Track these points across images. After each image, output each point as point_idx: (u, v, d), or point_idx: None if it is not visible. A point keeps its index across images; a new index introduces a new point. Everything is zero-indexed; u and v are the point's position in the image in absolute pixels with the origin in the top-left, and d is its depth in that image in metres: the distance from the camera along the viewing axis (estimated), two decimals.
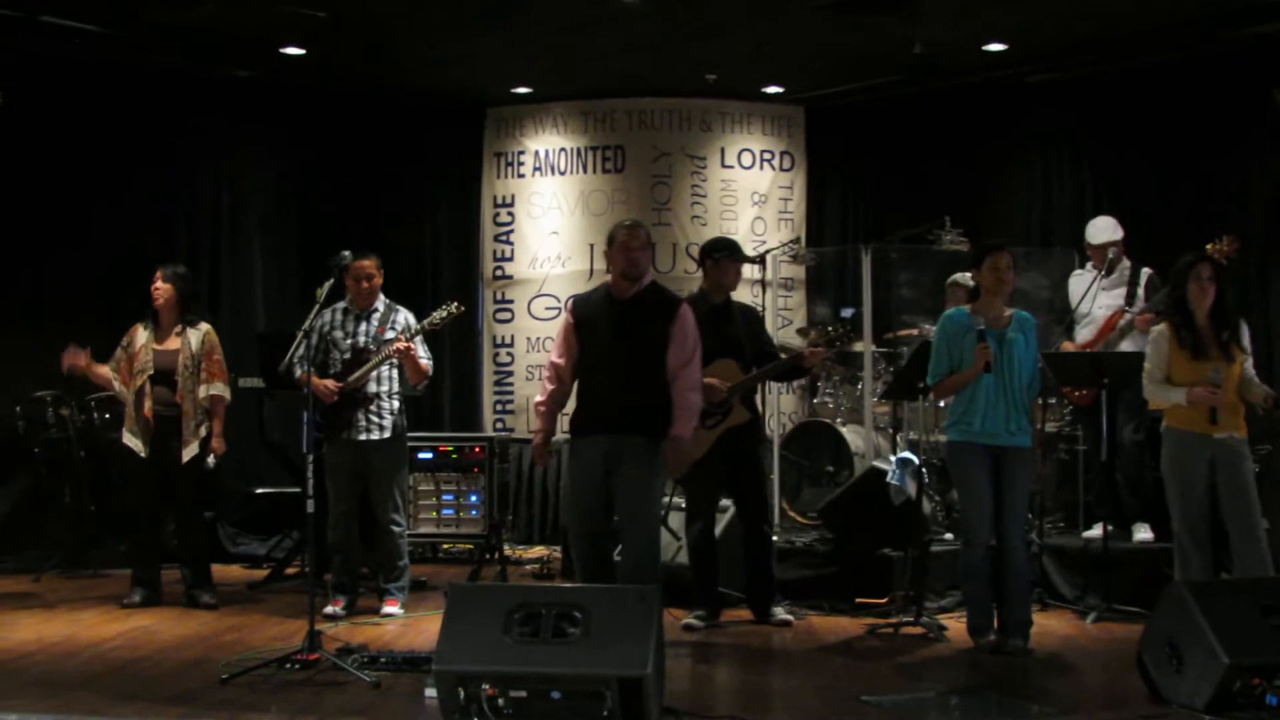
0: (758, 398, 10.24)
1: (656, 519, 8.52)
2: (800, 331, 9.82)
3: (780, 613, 9.82)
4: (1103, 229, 11.22)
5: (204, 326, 10.52)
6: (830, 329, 9.90)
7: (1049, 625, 9.59)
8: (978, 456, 8.72)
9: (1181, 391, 8.74)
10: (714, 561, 9.88)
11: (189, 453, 10.24)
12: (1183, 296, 8.91)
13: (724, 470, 9.83)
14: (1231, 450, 8.82)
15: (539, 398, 8.83)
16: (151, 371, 10.30)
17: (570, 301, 9.09)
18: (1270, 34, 11.69)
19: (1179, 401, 8.75)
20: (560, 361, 8.71)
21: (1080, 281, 11.29)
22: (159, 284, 10.41)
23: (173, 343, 10.38)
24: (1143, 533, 10.70)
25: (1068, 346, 11.06)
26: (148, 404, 10.29)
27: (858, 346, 12.01)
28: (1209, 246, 10.07)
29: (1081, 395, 10.84)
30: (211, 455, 10.34)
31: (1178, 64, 12.65)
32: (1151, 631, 7.14)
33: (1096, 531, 10.56)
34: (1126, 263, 11.06)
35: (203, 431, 10.30)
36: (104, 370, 10.49)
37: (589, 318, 8.63)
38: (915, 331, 12.18)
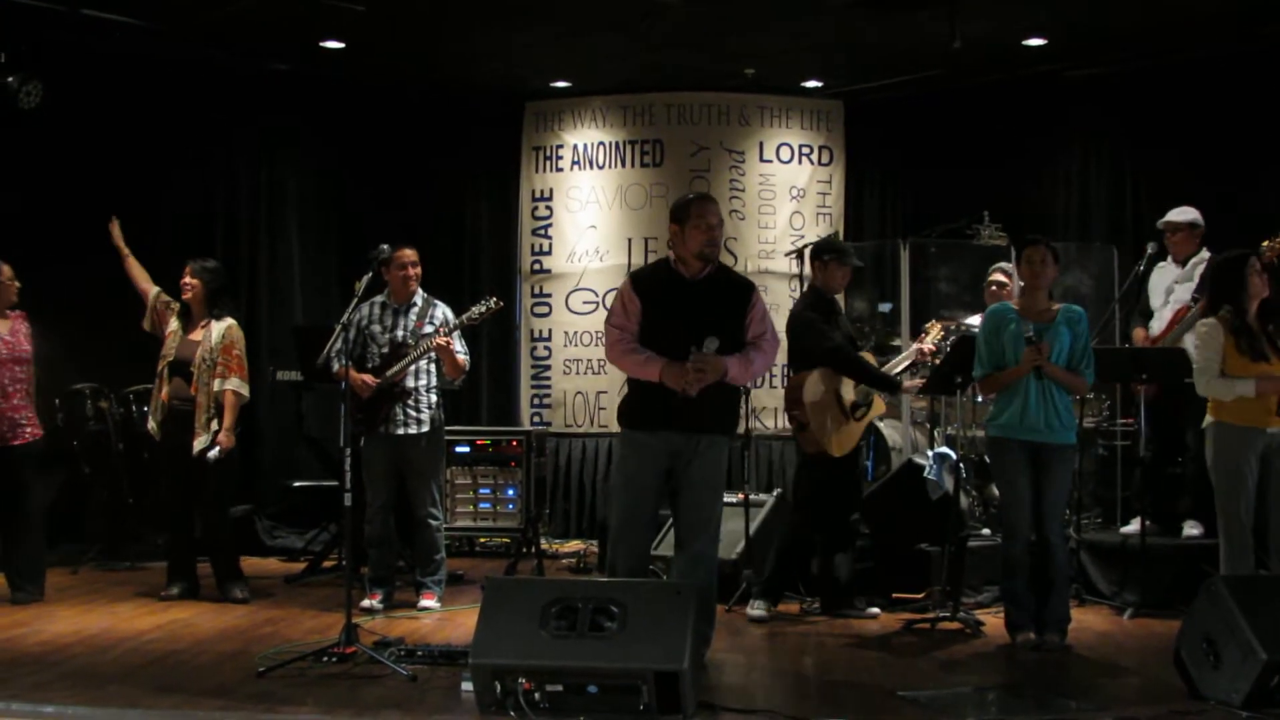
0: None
1: (719, 521, 8.25)
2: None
3: (863, 606, 9.97)
4: (1169, 213, 11.18)
5: (228, 321, 10.51)
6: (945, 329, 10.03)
7: (1086, 620, 9.57)
8: (1017, 453, 8.73)
9: (1250, 383, 8.67)
10: (809, 552, 10.06)
11: (198, 444, 10.24)
12: (1240, 292, 8.91)
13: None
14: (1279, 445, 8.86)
15: (632, 355, 7.96)
16: (171, 358, 10.38)
17: (630, 278, 8.34)
18: None
19: (1246, 393, 8.68)
20: (625, 325, 8.05)
21: (1160, 274, 11.22)
22: (187, 279, 10.45)
23: (196, 335, 10.42)
24: (1192, 528, 10.64)
25: (1137, 335, 11.05)
26: (165, 390, 10.39)
27: (895, 341, 12.04)
28: (1265, 244, 10.03)
29: (1147, 389, 10.82)
30: (217, 448, 10.25)
31: (1219, 59, 12.61)
32: (1189, 627, 7.13)
33: (1133, 527, 10.59)
34: (1204, 254, 10.94)
35: (214, 426, 10.31)
36: (138, 270, 10.66)
37: (655, 299, 8.06)
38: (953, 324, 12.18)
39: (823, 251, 10.13)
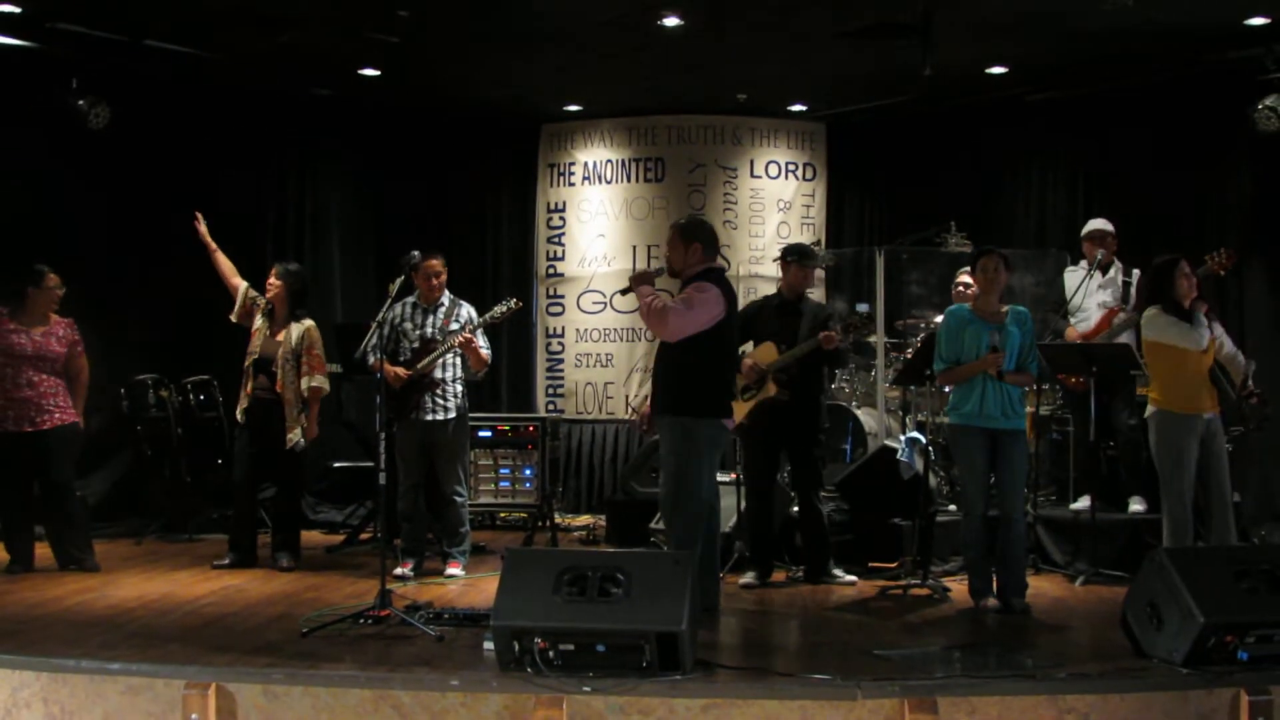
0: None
1: (681, 491, 8.30)
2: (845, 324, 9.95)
3: (841, 574, 9.91)
4: (1091, 223, 11.34)
5: (307, 323, 10.53)
6: (846, 319, 9.96)
7: (1041, 587, 9.53)
8: (976, 438, 8.74)
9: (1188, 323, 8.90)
10: (766, 528, 9.97)
11: (292, 438, 10.30)
12: (1171, 290, 8.96)
13: (776, 447, 9.97)
14: (1215, 429, 8.95)
15: None
16: (256, 356, 10.37)
17: None
18: (1248, 58, 11.62)
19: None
20: None
21: (1073, 276, 11.29)
22: (271, 279, 10.48)
23: (280, 334, 10.43)
24: (1136, 505, 10.71)
25: (1069, 334, 11.09)
26: (250, 384, 10.37)
27: (871, 338, 12.02)
28: (1208, 258, 10.05)
29: (1077, 383, 10.82)
30: (305, 438, 10.39)
31: (1163, 85, 12.60)
32: (1134, 593, 7.10)
33: (1082, 504, 10.63)
34: (1118, 264, 11.07)
35: (303, 420, 10.36)
36: (226, 263, 10.61)
37: None
38: (922, 322, 12.18)
39: (787, 254, 10.12)
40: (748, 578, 9.81)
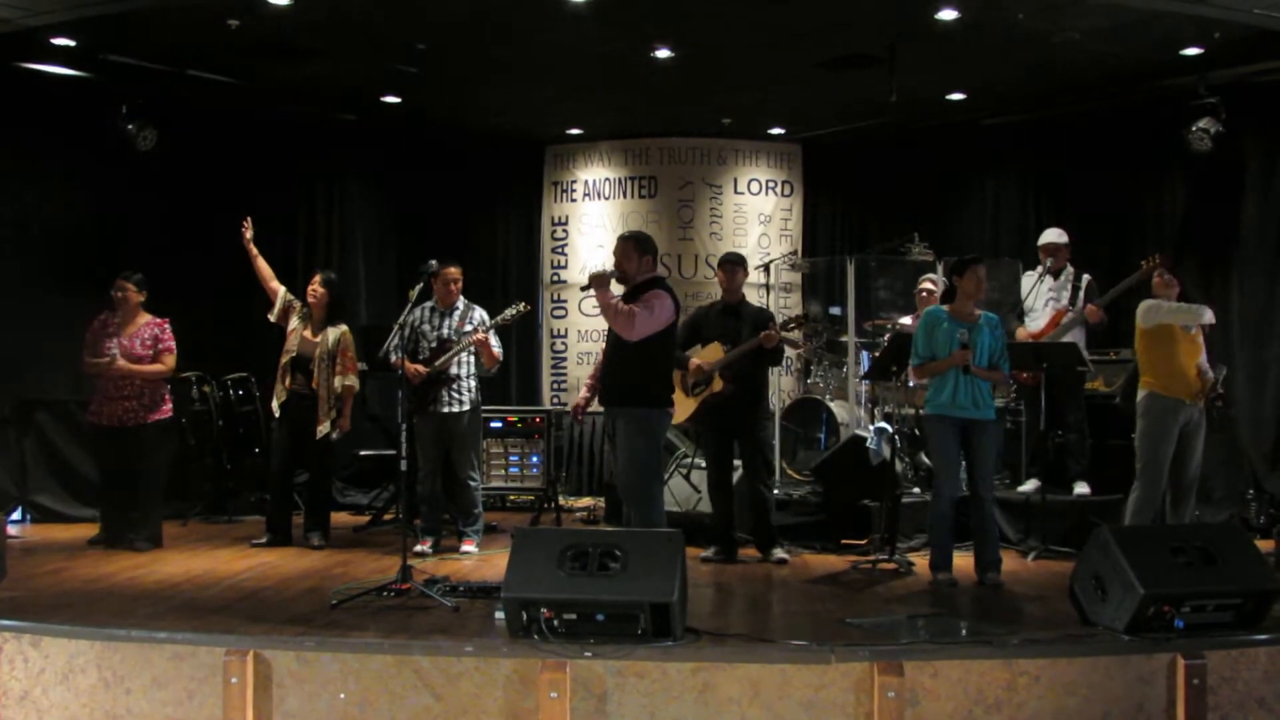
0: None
1: (636, 478, 8.39)
2: (783, 324, 9.93)
3: (778, 553, 9.80)
4: (1045, 234, 11.32)
5: (342, 328, 10.48)
6: (790, 320, 9.92)
7: None
8: (950, 427, 8.72)
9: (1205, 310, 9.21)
10: (726, 507, 9.91)
11: (322, 431, 10.27)
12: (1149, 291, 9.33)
13: (728, 435, 9.90)
14: (1200, 417, 9.08)
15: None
16: (295, 354, 10.32)
17: None
18: (1182, 85, 11.64)
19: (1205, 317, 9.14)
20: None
21: (1028, 280, 11.32)
22: (315, 286, 10.44)
23: (315, 336, 10.38)
24: (1082, 488, 10.75)
25: (1020, 333, 11.08)
26: (288, 380, 10.31)
27: (843, 337, 12.01)
28: (1143, 262, 10.07)
29: (1028, 377, 10.81)
30: (337, 431, 10.40)
31: (1107, 109, 12.61)
32: (1080, 567, 7.09)
33: (1029, 485, 10.74)
34: (1070, 269, 11.06)
35: (334, 415, 10.32)
36: (265, 268, 10.51)
37: None
38: (889, 323, 12.17)
39: (721, 261, 10.22)
40: (708, 552, 9.82)
